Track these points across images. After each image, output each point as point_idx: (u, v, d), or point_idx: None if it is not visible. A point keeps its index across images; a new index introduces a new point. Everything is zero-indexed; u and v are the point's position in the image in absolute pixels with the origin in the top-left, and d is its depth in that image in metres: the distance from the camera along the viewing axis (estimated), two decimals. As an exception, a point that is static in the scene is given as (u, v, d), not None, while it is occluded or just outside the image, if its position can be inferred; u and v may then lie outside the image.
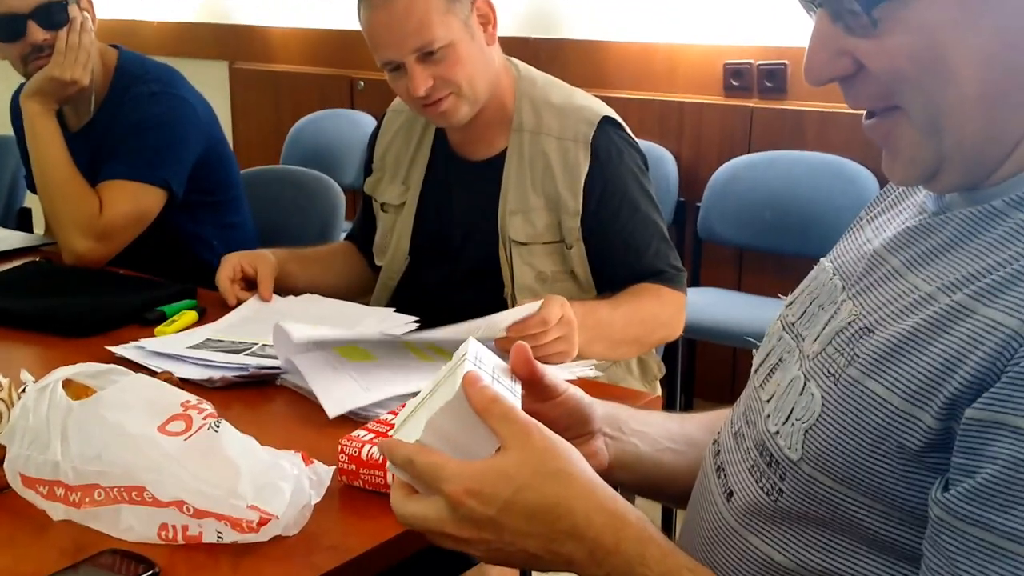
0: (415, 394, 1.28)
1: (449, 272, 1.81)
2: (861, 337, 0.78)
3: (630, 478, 1.03)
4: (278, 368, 1.45)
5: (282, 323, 1.41)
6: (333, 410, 1.30)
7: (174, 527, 1.00)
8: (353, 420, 1.29)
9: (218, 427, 1.03)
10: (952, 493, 0.67)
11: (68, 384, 1.10)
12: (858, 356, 0.77)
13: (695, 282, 3.29)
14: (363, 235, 1.98)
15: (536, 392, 0.93)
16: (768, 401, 0.88)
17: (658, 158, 3.25)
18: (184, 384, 1.34)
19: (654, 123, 3.41)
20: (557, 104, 1.74)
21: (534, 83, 1.78)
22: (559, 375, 1.41)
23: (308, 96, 4.32)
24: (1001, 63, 0.72)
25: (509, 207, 1.72)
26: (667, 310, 1.73)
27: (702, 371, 3.33)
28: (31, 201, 3.02)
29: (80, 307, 1.71)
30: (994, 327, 0.67)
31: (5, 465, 1.07)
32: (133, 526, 1.01)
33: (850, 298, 0.83)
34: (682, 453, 1.04)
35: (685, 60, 3.41)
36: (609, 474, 0.99)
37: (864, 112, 0.80)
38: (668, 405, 2.17)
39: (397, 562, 1.05)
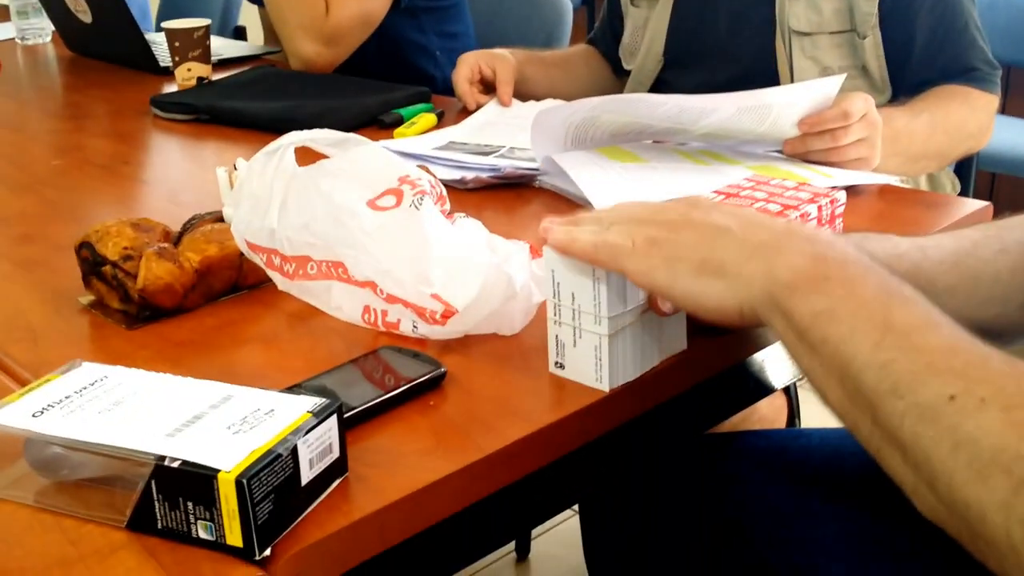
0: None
1: (712, 75, 1.59)
2: None
3: None
4: (535, 169, 1.31)
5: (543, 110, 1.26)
6: (600, 203, 1.15)
7: (374, 311, 0.90)
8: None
9: (420, 204, 0.89)
10: None
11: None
12: None
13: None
14: (607, 37, 1.78)
15: None
16: None
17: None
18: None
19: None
20: None
21: None
22: (857, 181, 1.24)
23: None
24: None
25: None
26: (977, 117, 1.47)
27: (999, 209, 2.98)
28: (245, 19, 2.97)
29: (315, 109, 1.62)
30: None
31: (232, 228, 0.98)
32: (342, 305, 0.92)
33: None
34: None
35: None
36: None
37: None
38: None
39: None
